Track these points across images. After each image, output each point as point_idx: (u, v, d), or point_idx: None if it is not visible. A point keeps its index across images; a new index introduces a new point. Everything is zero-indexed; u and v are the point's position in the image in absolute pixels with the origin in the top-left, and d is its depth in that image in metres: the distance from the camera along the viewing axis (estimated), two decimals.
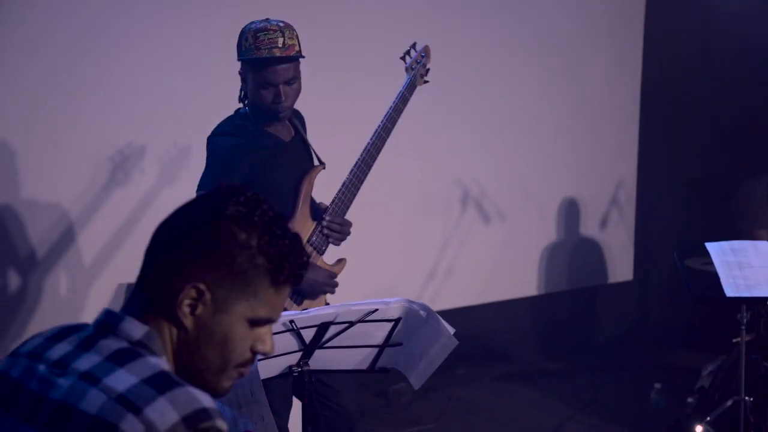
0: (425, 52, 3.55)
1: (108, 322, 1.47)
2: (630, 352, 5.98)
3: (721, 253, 3.75)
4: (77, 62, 4.14)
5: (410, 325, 2.62)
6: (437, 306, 5.42)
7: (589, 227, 6.29)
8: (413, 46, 3.56)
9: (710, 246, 3.78)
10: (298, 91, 3.16)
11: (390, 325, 2.61)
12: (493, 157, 5.71)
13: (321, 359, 2.61)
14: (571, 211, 6.19)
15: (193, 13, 4.47)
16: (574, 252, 6.24)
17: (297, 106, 3.25)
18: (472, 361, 5.69)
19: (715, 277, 3.77)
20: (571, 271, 6.23)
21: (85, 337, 1.46)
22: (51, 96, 4.09)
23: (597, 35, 6.14)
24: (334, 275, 3.30)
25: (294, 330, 2.45)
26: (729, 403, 4.01)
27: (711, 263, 3.80)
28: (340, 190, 3.26)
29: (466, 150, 5.60)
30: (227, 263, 1.44)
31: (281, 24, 3.10)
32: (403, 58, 3.52)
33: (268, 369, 2.51)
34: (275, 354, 2.49)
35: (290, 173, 3.23)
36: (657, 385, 4.88)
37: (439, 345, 2.64)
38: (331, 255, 3.37)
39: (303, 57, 3.14)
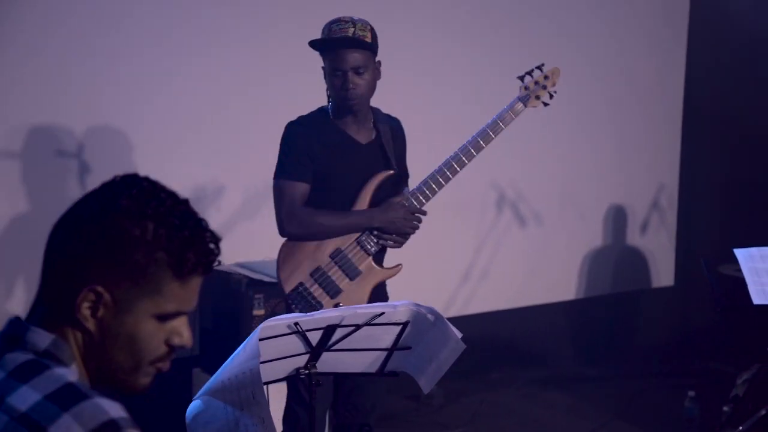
0: (550, 74, 3.52)
1: (13, 334, 1.40)
2: (668, 358, 5.90)
3: (749, 259, 3.69)
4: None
5: (418, 328, 2.62)
6: (471, 309, 5.43)
7: (629, 232, 6.22)
8: (540, 66, 3.53)
9: (739, 252, 3.72)
10: (371, 84, 3.24)
11: (398, 328, 2.61)
12: (531, 160, 5.68)
13: (329, 362, 2.62)
14: (611, 215, 6.13)
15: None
16: (613, 257, 6.18)
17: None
18: (506, 365, 5.67)
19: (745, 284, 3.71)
20: (610, 276, 6.17)
21: None
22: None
23: (640, 38, 6.07)
24: (416, 211, 3.32)
25: (299, 332, 2.46)
26: (762, 412, 3.93)
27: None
28: (413, 194, 3.33)
29: (501, 153, 5.55)
30: (123, 262, 1.38)
31: (355, 18, 3.23)
32: (521, 77, 3.49)
33: (275, 371, 2.53)
34: (281, 356, 2.52)
35: (358, 174, 3.29)
36: (691, 393, 4.81)
37: (448, 349, 2.63)
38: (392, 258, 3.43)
39: (373, 49, 3.22)
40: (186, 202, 1.45)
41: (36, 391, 1.32)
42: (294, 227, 3.23)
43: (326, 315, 2.50)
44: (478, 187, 5.52)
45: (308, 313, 2.48)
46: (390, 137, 3.35)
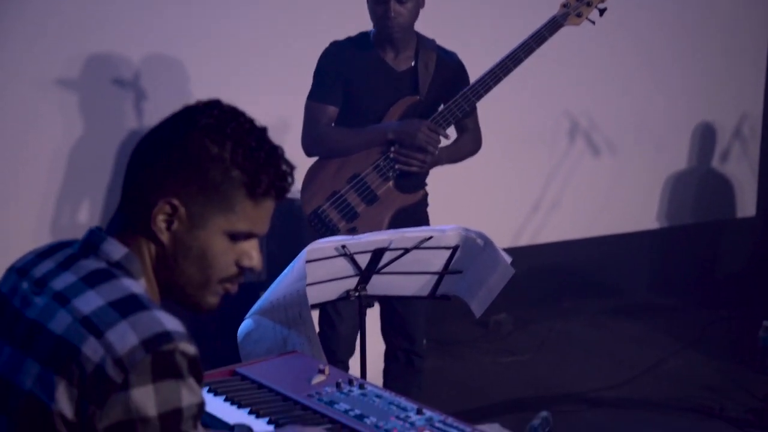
0: None
1: (90, 242, 1.48)
2: (746, 289, 5.78)
3: None
4: None
5: (468, 253, 2.64)
6: (542, 239, 5.41)
7: (708, 161, 6.07)
8: None
9: None
10: (413, 12, 3.24)
11: (448, 252, 2.63)
12: (605, 89, 5.56)
13: (379, 285, 2.66)
14: (689, 145, 5.99)
15: None
16: (690, 186, 6.05)
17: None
18: (576, 294, 5.65)
19: None
20: (687, 206, 6.05)
21: (69, 255, 1.49)
22: None
23: None
24: (435, 128, 3.24)
25: (347, 255, 2.51)
26: None
27: None
28: (434, 117, 3.28)
29: (574, 81, 5.47)
30: (200, 177, 1.43)
31: None
32: None
33: (325, 293, 2.59)
34: (331, 278, 2.57)
35: (387, 101, 3.29)
36: (766, 323, 4.73)
37: (498, 274, 2.64)
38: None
39: None
40: (264, 128, 1.50)
41: (101, 297, 1.39)
42: (311, 145, 3.29)
43: (374, 238, 2.53)
44: (550, 117, 5.45)
45: (355, 236, 2.52)
46: (431, 66, 3.31)
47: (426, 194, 3.44)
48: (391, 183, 3.30)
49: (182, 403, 1.35)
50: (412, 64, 3.32)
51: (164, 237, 1.46)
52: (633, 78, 5.65)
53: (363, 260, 2.56)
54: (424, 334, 3.50)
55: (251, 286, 4.34)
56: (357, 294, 2.62)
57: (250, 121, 1.49)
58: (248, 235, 1.50)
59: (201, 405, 1.40)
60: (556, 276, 5.50)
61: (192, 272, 1.48)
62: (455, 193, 5.13)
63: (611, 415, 4.23)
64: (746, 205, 6.24)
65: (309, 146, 3.32)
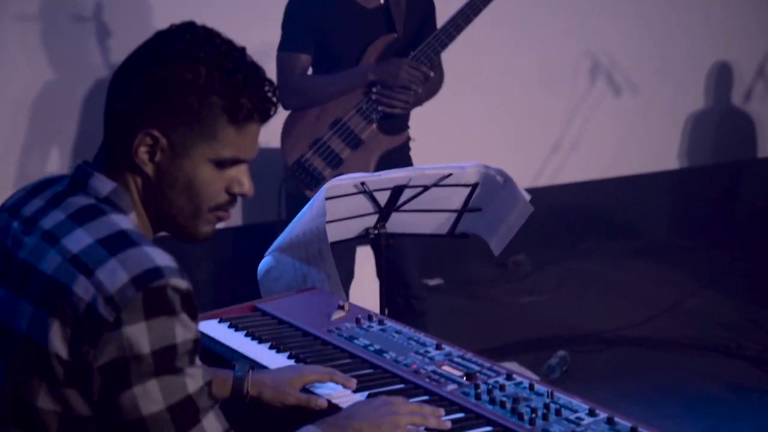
0: None
1: (78, 178, 1.46)
2: (765, 229, 5.75)
3: None
4: None
5: (487, 190, 2.62)
6: (562, 179, 5.38)
7: (731, 101, 5.99)
8: None
9: None
10: None
11: (467, 190, 2.62)
12: (626, 28, 5.48)
13: (398, 222, 2.65)
14: (711, 84, 5.91)
15: None
16: (713, 126, 5.98)
17: None
18: (595, 235, 5.64)
19: None
20: (709, 146, 5.99)
21: (57, 192, 1.47)
22: None
23: None
24: (417, 66, 3.16)
25: (366, 192, 2.50)
26: None
27: None
28: (415, 55, 3.21)
29: (595, 20, 5.39)
30: (177, 106, 1.39)
31: None
32: None
33: (343, 231, 2.59)
34: (350, 216, 2.57)
35: (361, 41, 3.22)
36: None
37: (517, 211, 2.62)
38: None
39: None
40: (242, 49, 1.45)
41: (89, 235, 1.38)
42: (288, 97, 3.17)
43: (393, 175, 2.52)
44: (570, 57, 5.38)
45: (375, 173, 2.51)
46: (402, 2, 3.22)
47: (409, 137, 3.39)
48: (375, 126, 3.24)
49: (176, 339, 1.34)
50: (382, 1, 3.24)
51: (148, 169, 1.44)
52: (654, 16, 5.56)
53: (382, 198, 2.55)
54: (419, 276, 3.48)
55: (271, 225, 4.36)
56: (376, 232, 2.61)
57: (227, 43, 1.44)
58: (234, 162, 1.47)
59: (196, 341, 1.38)
60: (575, 217, 5.48)
61: (181, 203, 1.46)
62: (475, 134, 5.11)
63: (629, 355, 4.25)
64: (767, 145, 6.18)
65: (286, 99, 3.17)
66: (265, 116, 1.46)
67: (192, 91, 1.40)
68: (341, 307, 2.19)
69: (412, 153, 3.44)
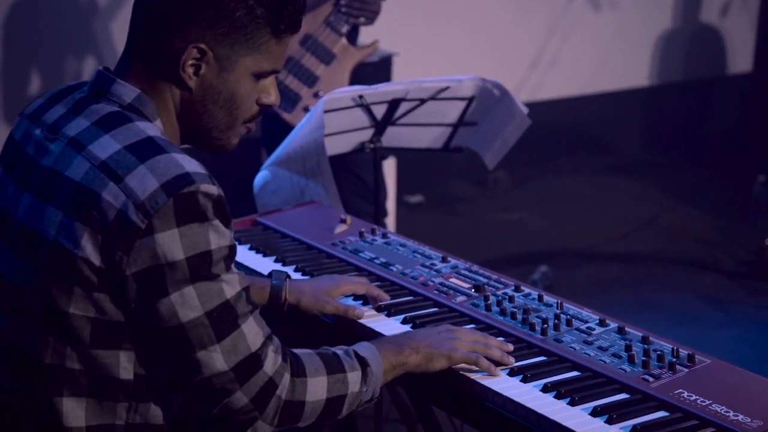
0: None
1: (100, 85, 1.44)
2: (740, 145, 5.80)
3: None
4: None
5: (484, 103, 2.60)
6: (539, 95, 5.36)
7: (708, 14, 5.98)
8: None
9: None
10: None
11: (464, 103, 2.59)
12: None
13: (394, 136, 2.63)
14: None
15: None
16: (690, 41, 5.98)
17: None
18: (573, 151, 5.66)
19: None
20: (685, 62, 6.00)
21: (78, 99, 1.44)
22: None
23: None
24: None
25: (363, 105, 2.47)
26: None
27: None
28: None
29: None
30: (226, 18, 1.39)
31: None
32: None
33: (340, 144, 2.56)
34: (347, 129, 2.54)
35: None
36: (761, 177, 4.77)
37: (513, 124, 2.60)
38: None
39: None
40: None
41: (116, 142, 1.36)
42: None
43: (391, 88, 2.49)
44: None
45: (372, 86, 2.47)
46: None
47: (378, 47, 3.35)
48: (344, 39, 3.19)
49: (210, 245, 1.33)
50: None
51: (192, 83, 1.43)
52: None
53: (379, 111, 2.52)
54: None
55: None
56: (372, 146, 2.59)
57: None
58: (271, 73, 1.48)
59: (232, 247, 1.38)
60: (553, 133, 5.48)
61: (220, 116, 1.46)
62: (453, 49, 5.06)
63: (608, 270, 4.31)
64: (743, 60, 6.18)
65: None
66: (298, 27, 1.48)
67: (241, 4, 1.40)
68: (343, 221, 2.18)
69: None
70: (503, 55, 5.24)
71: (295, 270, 1.99)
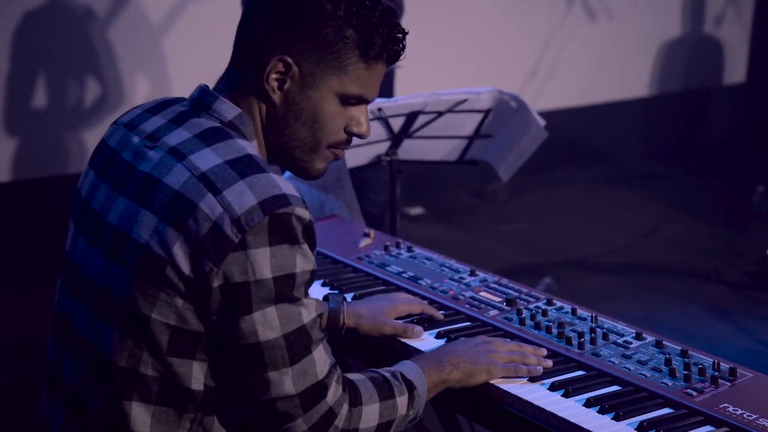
0: None
1: (202, 101, 1.45)
2: (736, 155, 5.83)
3: None
4: None
5: (500, 116, 2.59)
6: (538, 105, 5.35)
7: (703, 25, 6.01)
8: None
9: None
10: None
11: (480, 116, 2.59)
12: None
13: (410, 149, 2.62)
14: (684, 8, 5.91)
15: None
16: (685, 52, 6.01)
17: None
18: (571, 162, 5.66)
19: None
20: (681, 72, 6.02)
21: (180, 112, 1.45)
22: None
23: None
24: None
25: (382, 118, 2.45)
26: None
27: None
28: None
29: None
30: (314, 35, 1.39)
31: None
32: None
33: (356, 157, 2.54)
34: (364, 143, 2.52)
35: None
36: (760, 188, 4.79)
37: (529, 136, 2.61)
38: None
39: None
40: None
41: (217, 155, 1.36)
42: None
43: (410, 101, 2.48)
44: None
45: (391, 99, 2.46)
46: None
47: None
48: None
49: (296, 268, 1.34)
50: None
51: (276, 97, 1.42)
52: None
53: (396, 124, 2.51)
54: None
55: None
56: (389, 159, 2.57)
57: None
58: (359, 100, 1.47)
59: (313, 272, 1.38)
60: (550, 144, 5.46)
61: (303, 135, 1.45)
62: (451, 59, 5.06)
63: (612, 280, 4.30)
64: (737, 71, 6.22)
65: None
66: (393, 58, 1.46)
67: (330, 22, 1.40)
68: (366, 235, 2.16)
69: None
70: (501, 65, 5.24)
71: (323, 285, 1.97)
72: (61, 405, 1.46)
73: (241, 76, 1.44)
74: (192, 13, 4.29)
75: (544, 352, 1.66)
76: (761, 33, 6.07)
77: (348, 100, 1.45)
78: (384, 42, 1.43)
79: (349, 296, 1.91)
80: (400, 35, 1.46)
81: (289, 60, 1.40)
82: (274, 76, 1.41)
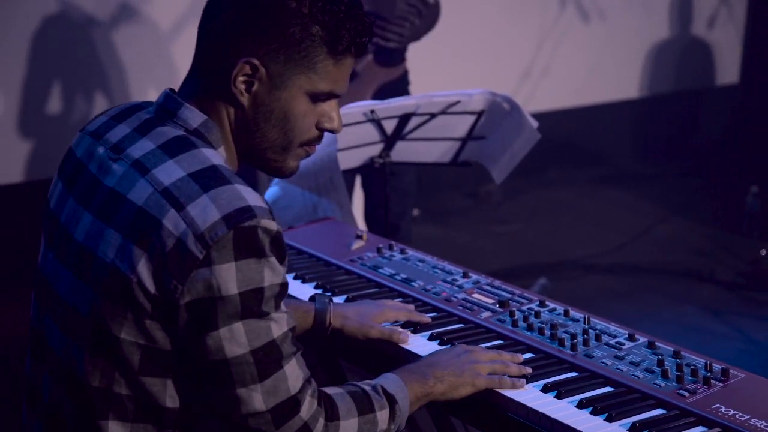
0: None
1: (167, 107, 1.41)
2: (730, 156, 5.83)
3: None
4: None
5: (493, 117, 2.59)
6: (531, 107, 5.36)
7: (695, 26, 6.02)
8: None
9: None
10: None
11: (473, 117, 2.58)
12: None
13: (403, 151, 2.62)
14: (676, 9, 5.92)
15: None
16: (678, 53, 6.01)
17: None
18: (564, 163, 5.67)
19: None
20: (674, 73, 6.03)
21: (144, 120, 1.42)
22: None
23: None
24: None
25: (375, 120, 2.45)
26: None
27: None
28: None
29: None
30: (280, 35, 1.36)
31: None
32: None
33: (349, 159, 2.54)
34: (356, 145, 2.52)
35: None
36: (754, 188, 4.79)
37: (522, 138, 2.60)
38: None
39: None
40: None
41: (180, 168, 1.33)
42: None
43: (402, 103, 2.48)
44: None
45: (384, 101, 2.46)
46: None
47: (407, 70, 3.34)
48: (370, 57, 3.18)
49: (264, 282, 1.31)
50: None
51: (244, 100, 1.39)
52: None
53: (389, 126, 2.51)
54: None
55: None
56: (382, 161, 2.57)
57: None
58: (329, 96, 1.44)
59: (283, 285, 1.35)
60: (543, 145, 5.47)
61: (274, 136, 1.42)
62: (445, 60, 5.05)
63: (606, 281, 4.30)
64: (729, 72, 6.23)
65: None
66: (361, 50, 1.44)
67: (295, 20, 1.37)
68: (359, 237, 2.16)
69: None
70: (494, 66, 5.24)
71: (316, 287, 1.96)
72: (41, 420, 1.45)
73: (207, 80, 1.41)
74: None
75: (522, 358, 1.65)
76: (754, 33, 6.08)
77: (318, 98, 1.43)
78: (352, 36, 1.40)
79: (341, 298, 1.90)
80: (368, 26, 1.43)
81: (256, 62, 1.37)
82: (241, 78, 1.38)
